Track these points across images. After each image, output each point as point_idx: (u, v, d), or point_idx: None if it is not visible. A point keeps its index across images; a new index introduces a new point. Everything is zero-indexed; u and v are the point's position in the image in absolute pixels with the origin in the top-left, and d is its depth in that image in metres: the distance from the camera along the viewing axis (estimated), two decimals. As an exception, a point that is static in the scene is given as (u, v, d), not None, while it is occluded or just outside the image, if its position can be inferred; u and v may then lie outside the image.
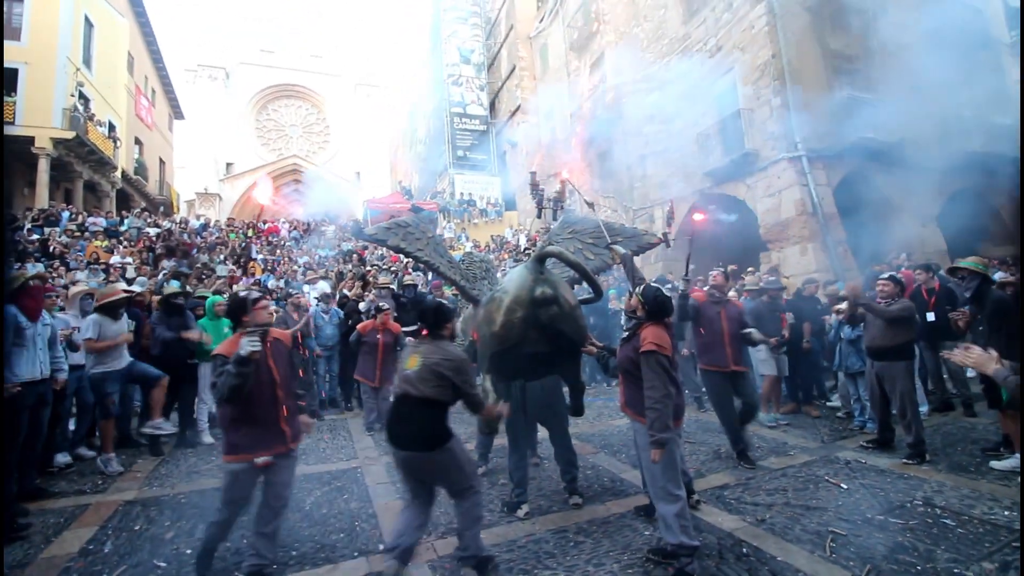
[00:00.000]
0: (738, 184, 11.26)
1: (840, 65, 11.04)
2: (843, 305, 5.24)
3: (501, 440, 4.12)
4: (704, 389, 6.82)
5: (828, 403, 6.28)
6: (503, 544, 3.07)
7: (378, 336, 6.09)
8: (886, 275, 4.70)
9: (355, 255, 13.83)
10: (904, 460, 4.22)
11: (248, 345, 2.54)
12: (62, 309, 5.31)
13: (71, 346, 4.64)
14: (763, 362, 5.85)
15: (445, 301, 3.25)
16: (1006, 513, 3.21)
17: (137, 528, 3.46)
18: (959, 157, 10.65)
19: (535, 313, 3.38)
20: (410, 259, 5.64)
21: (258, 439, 2.69)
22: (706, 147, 11.88)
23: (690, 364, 6.70)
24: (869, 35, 11.42)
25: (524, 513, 3.46)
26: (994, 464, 4.03)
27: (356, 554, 3.02)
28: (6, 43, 16.34)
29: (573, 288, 4.00)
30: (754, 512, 3.41)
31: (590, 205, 4.55)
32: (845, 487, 3.78)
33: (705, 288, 5.39)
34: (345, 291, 8.97)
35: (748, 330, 4.49)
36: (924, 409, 5.37)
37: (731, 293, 7.38)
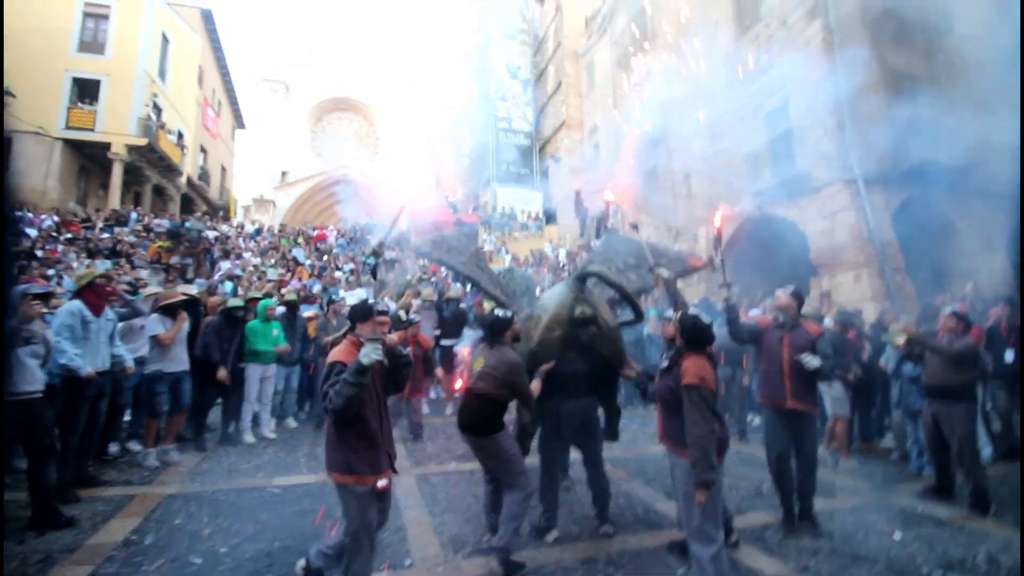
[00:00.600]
0: (789, 205, 10.86)
1: (901, 83, 10.53)
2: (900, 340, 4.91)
3: (532, 460, 4.06)
4: (747, 421, 6.57)
5: (880, 443, 5.89)
6: (530, 570, 3.01)
7: (408, 348, 6.15)
8: (949, 310, 4.38)
9: (397, 264, 14.14)
10: (965, 511, 3.90)
11: (372, 353, 2.36)
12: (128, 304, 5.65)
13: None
14: (837, 400, 5.37)
15: (500, 313, 3.31)
16: (1086, 581, 2.90)
17: (177, 522, 3.60)
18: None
19: (574, 332, 3.35)
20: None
21: (375, 460, 2.53)
22: (756, 166, 11.53)
23: (735, 395, 6.40)
24: (935, 52, 10.86)
25: (553, 539, 3.39)
26: None
27: (382, 567, 3.02)
28: (94, 57, 17.80)
29: (614, 309, 3.94)
30: (798, 557, 3.22)
31: (634, 227, 4.49)
32: (898, 537, 3.51)
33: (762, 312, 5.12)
34: (388, 300, 9.15)
35: (803, 355, 3.59)
36: (987, 452, 4.95)
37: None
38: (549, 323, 3.37)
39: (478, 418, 3.06)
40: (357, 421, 2.48)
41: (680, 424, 2.66)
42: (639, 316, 3.83)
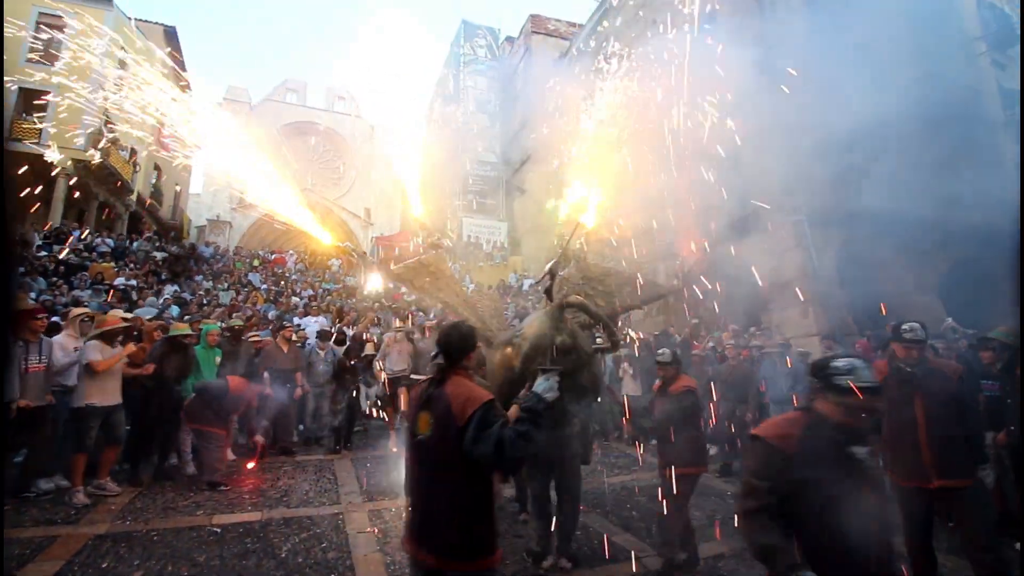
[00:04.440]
0: (740, 243, 11.39)
1: (843, 135, 11.37)
2: None
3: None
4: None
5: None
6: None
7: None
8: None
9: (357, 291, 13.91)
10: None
11: (556, 387, 2.08)
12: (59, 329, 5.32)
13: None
14: None
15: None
16: (1013, 606, 3.05)
17: (104, 566, 3.33)
18: (957, 229, 10.80)
19: (555, 361, 3.37)
20: (415, 296, 5.68)
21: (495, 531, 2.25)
22: (709, 205, 12.07)
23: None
24: (871, 108, 11.82)
25: (549, 564, 3.47)
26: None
27: (328, 610, 2.87)
28: (43, 68, 17.13)
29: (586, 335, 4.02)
30: (749, 588, 3.26)
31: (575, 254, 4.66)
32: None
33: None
34: (344, 328, 8.95)
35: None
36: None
37: (731, 349, 7.39)
38: (530, 352, 3.37)
39: None
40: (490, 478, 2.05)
41: (695, 438, 3.55)
42: (615, 345, 3.90)
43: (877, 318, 9.66)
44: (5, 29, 16.12)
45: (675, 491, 3.42)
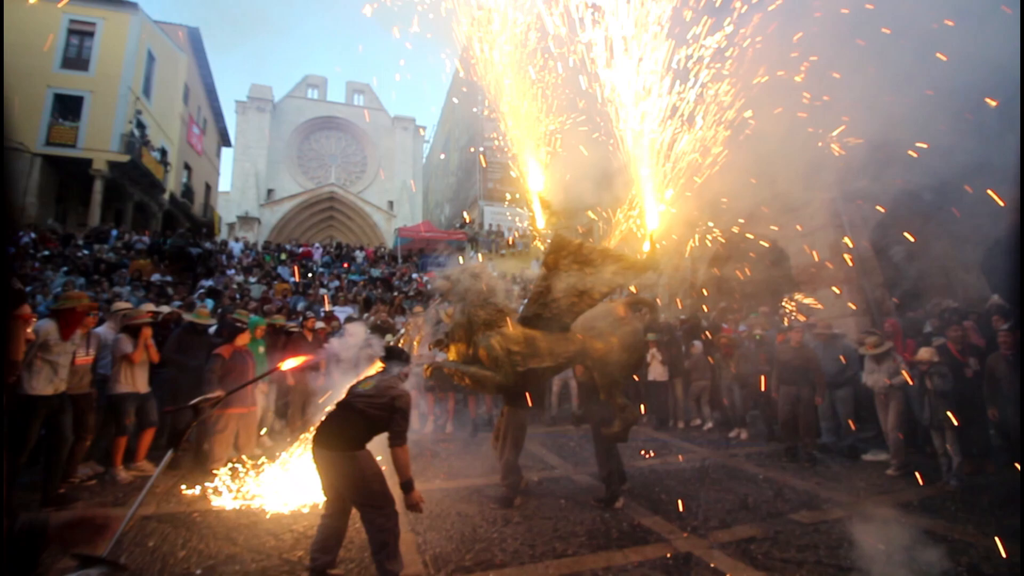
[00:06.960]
0: (769, 223, 11.06)
1: (881, 111, 10.88)
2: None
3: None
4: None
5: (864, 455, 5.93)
6: (513, 587, 2.96)
7: None
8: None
9: (382, 281, 14.08)
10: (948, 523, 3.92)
11: None
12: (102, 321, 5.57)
13: None
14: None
15: None
16: (1066, 589, 2.93)
17: (151, 544, 3.48)
18: (997, 205, 10.26)
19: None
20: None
21: None
22: (736, 183, 11.76)
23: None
24: (911, 76, 11.27)
25: (620, 504, 4.31)
26: None
27: (363, 587, 2.94)
28: (77, 73, 17.71)
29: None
30: (783, 569, 3.21)
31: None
32: (883, 547, 3.52)
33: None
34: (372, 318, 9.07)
35: None
36: None
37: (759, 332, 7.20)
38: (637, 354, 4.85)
39: (351, 430, 2.90)
40: None
41: None
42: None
43: (917, 297, 9.32)
44: (38, 37, 16.70)
45: None
